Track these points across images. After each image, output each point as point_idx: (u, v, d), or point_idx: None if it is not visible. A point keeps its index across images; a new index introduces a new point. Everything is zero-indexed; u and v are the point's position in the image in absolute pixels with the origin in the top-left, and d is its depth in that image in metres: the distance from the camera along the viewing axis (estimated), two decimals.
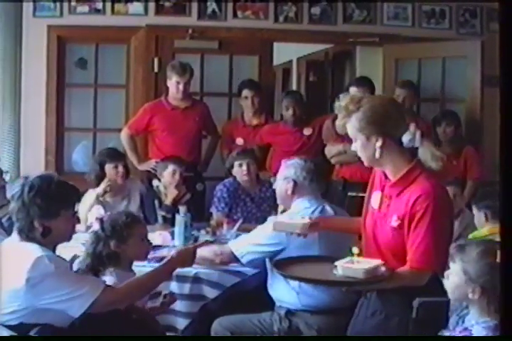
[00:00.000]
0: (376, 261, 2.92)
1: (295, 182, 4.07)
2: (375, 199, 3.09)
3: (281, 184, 4.13)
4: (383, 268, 2.89)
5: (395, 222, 2.94)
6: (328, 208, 4.08)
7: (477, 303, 2.72)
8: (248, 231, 5.24)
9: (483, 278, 2.68)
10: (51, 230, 3.05)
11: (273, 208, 5.67)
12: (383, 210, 3.02)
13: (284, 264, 3.25)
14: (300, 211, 3.95)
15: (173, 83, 6.17)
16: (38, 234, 3.03)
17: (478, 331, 2.68)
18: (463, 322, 2.79)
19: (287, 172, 4.13)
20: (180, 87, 6.15)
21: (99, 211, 3.80)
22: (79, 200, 3.25)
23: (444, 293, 2.82)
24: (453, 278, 2.77)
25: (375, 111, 2.94)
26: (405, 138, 2.94)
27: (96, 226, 3.57)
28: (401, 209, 2.93)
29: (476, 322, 2.71)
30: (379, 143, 2.93)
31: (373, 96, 3.47)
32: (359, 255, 2.93)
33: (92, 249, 3.50)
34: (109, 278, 3.37)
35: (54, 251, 3.13)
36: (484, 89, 6.51)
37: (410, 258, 2.89)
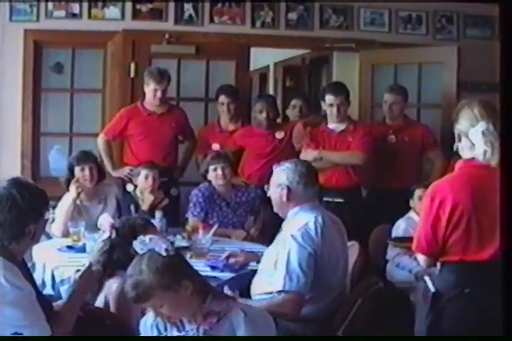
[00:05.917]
0: None
1: (289, 189, 3.91)
2: None
3: (275, 191, 3.96)
4: None
5: None
6: (326, 218, 3.89)
7: None
8: (224, 236, 5.26)
9: None
10: (36, 232, 2.95)
11: (249, 213, 5.69)
12: None
13: None
14: (300, 221, 3.81)
15: (151, 90, 6.14)
16: (26, 239, 2.90)
17: None
18: None
19: (279, 178, 3.96)
20: (158, 93, 6.14)
21: (108, 219, 3.74)
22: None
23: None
24: None
25: None
26: None
27: (108, 233, 3.48)
28: None
29: None
30: None
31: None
32: None
33: (105, 255, 3.40)
34: (118, 281, 3.42)
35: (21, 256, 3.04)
36: (460, 95, 6.53)
37: None
